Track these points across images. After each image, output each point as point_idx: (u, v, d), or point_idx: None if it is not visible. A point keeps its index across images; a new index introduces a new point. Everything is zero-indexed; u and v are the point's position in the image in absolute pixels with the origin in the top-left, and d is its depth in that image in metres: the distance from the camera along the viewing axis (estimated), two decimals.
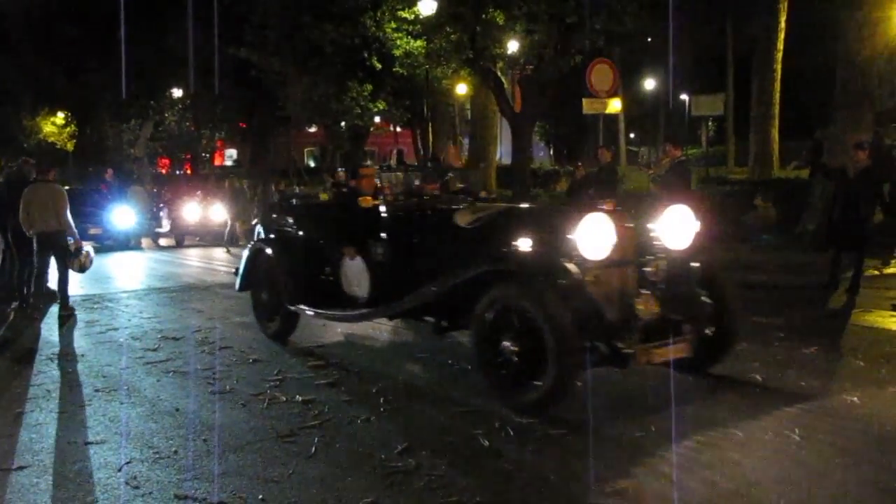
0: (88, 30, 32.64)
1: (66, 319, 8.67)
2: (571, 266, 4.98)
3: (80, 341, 7.64)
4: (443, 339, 7.10)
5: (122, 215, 18.08)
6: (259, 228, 13.89)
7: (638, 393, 5.47)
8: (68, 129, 36.08)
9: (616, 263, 5.20)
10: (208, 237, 19.70)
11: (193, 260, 16.01)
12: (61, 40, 32.39)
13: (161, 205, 21.08)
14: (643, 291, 5.25)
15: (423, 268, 6.17)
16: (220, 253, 17.17)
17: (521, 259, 5.34)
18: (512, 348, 5.02)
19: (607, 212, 5.19)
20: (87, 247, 9.64)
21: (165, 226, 20.41)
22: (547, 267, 5.05)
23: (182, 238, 19.76)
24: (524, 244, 5.36)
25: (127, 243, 18.10)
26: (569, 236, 5.11)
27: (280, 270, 7.19)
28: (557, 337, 4.69)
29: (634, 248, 5.38)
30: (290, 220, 7.82)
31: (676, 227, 5.55)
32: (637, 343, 4.97)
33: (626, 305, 5.12)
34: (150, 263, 15.50)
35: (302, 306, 6.99)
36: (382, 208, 6.73)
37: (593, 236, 5.07)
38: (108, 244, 17.50)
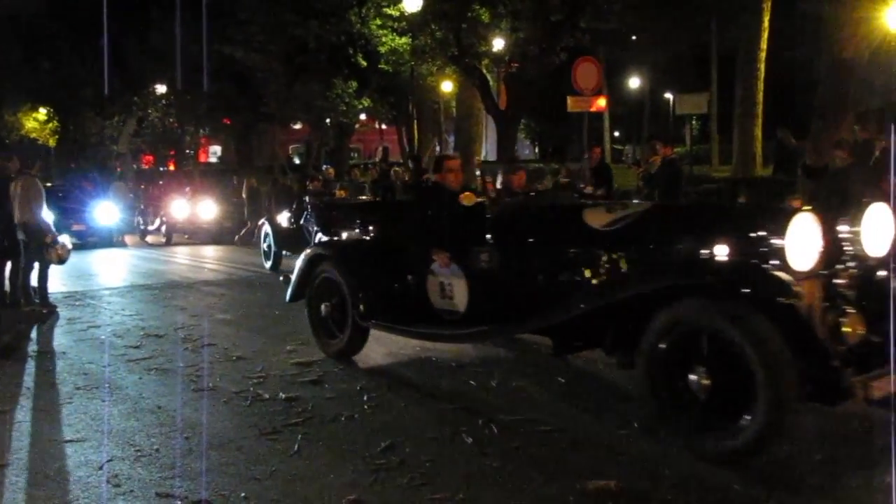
0: (71, 25, 32.40)
1: (48, 316, 8.61)
2: (787, 277, 4.03)
3: (61, 339, 7.58)
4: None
5: (106, 212, 17.82)
6: (267, 229, 13.14)
7: None
8: (51, 124, 35.81)
9: (813, 274, 4.29)
10: (198, 235, 19.39)
11: (180, 257, 15.83)
12: (44, 35, 32.13)
13: (151, 202, 20.51)
14: (848, 309, 4.31)
15: (546, 278, 5.23)
16: (209, 251, 16.95)
17: (723, 270, 4.35)
18: (702, 383, 4.09)
19: (814, 212, 4.32)
20: (63, 238, 9.58)
21: (154, 223, 19.85)
22: (760, 280, 4.11)
23: (171, 235, 19.21)
24: (720, 251, 4.38)
25: (111, 240, 17.85)
26: (774, 241, 4.22)
27: (349, 280, 6.19)
28: (772, 367, 3.82)
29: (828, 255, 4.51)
30: (360, 221, 6.97)
31: (876, 230, 4.56)
32: (851, 373, 3.99)
33: (833, 326, 4.22)
34: (134, 261, 15.38)
35: (378, 321, 6.05)
36: (478, 206, 5.78)
37: (803, 241, 4.19)
38: (92, 241, 17.25)
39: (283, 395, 5.44)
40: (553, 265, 5.23)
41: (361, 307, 6.04)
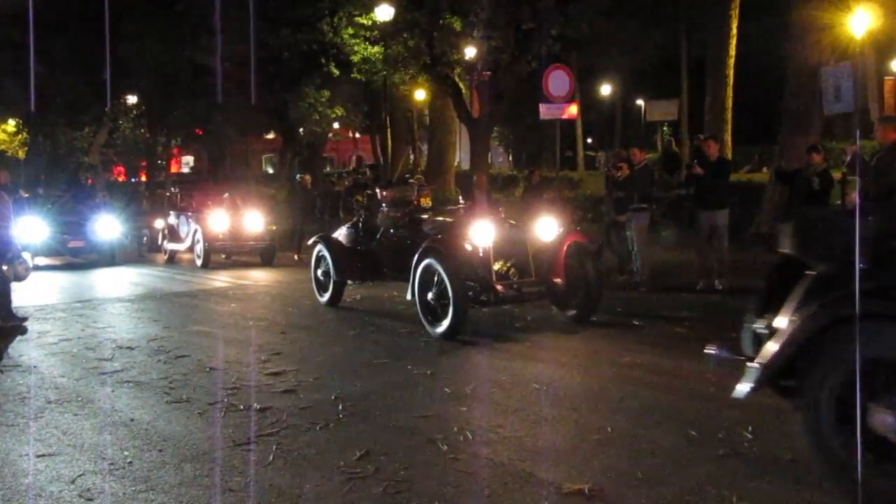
0: (42, 34, 32.08)
1: (14, 330, 8.49)
2: None
3: (31, 352, 7.49)
4: (400, 344, 7.07)
5: (107, 226, 15.96)
6: (322, 250, 9.62)
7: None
8: (20, 136, 35.39)
9: None
10: (242, 254, 16.54)
11: (219, 279, 13.59)
12: (13, 45, 31.75)
13: (180, 213, 17.27)
14: None
15: None
16: (257, 273, 14.66)
17: None
18: None
19: None
20: (25, 254, 9.42)
21: (187, 241, 16.40)
22: None
23: (209, 256, 15.67)
24: None
25: (112, 258, 15.97)
26: None
27: None
28: None
29: None
30: None
31: None
32: None
33: None
34: (116, 276, 15.16)
35: None
36: None
37: None
38: (92, 258, 15.81)
39: (258, 406, 5.42)
40: None
41: None
